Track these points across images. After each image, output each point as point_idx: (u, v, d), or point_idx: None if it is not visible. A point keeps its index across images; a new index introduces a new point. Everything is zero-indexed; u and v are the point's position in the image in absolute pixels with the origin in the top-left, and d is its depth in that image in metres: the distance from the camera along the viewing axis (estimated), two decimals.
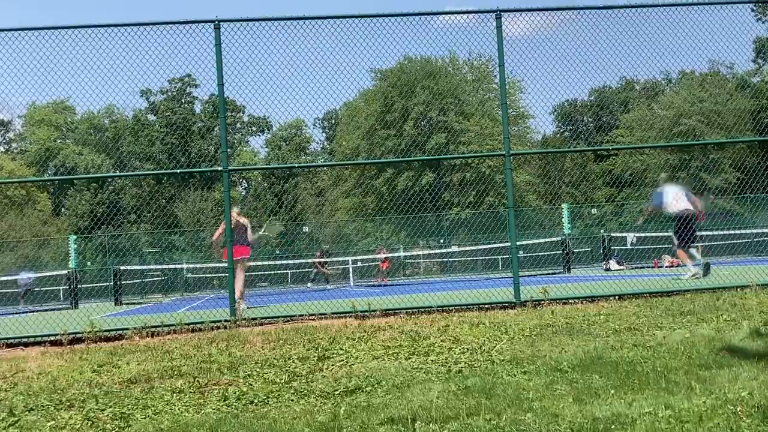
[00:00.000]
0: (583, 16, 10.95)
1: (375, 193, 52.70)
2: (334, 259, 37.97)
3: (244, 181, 69.78)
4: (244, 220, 14.60)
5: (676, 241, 15.08)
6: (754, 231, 36.39)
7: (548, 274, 26.82)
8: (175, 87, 68.37)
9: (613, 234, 32.91)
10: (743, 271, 14.60)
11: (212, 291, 38.97)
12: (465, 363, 5.67)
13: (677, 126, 53.70)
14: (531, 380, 4.83)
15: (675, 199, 15.01)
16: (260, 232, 15.13)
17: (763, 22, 54.76)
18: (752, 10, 46.51)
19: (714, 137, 49.17)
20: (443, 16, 11.55)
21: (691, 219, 15.07)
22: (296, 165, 22.11)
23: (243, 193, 67.54)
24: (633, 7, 11.04)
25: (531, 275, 24.83)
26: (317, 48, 10.40)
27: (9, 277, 36.86)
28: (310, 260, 31.81)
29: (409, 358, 6.08)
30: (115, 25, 10.08)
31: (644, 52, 11.29)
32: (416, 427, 3.81)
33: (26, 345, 9.20)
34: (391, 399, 4.56)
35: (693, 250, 15.23)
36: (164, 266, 40.68)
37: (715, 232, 36.66)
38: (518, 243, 10.70)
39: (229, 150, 10.37)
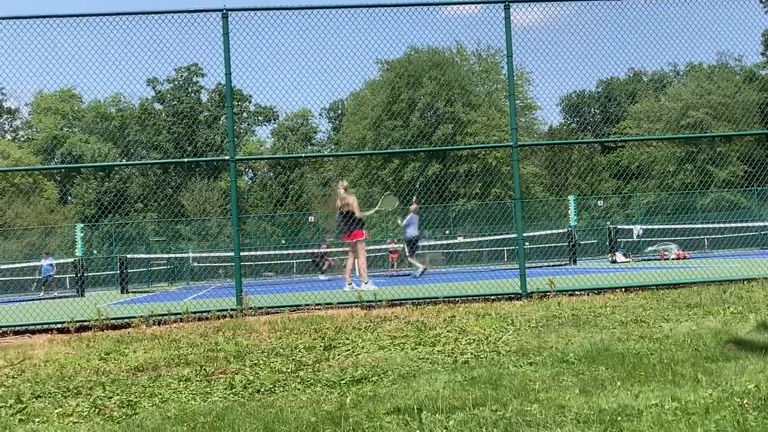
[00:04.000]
0: (591, 6, 10.92)
1: (381, 184, 52.67)
2: (338, 249, 37.97)
3: (250, 170, 69.84)
4: (352, 199, 14.16)
5: (407, 253, 21.94)
6: (761, 224, 36.32)
7: (554, 265, 26.79)
8: (182, 76, 68.38)
9: (619, 226, 32.87)
10: (750, 264, 14.57)
11: (218, 280, 39.03)
12: (471, 354, 5.67)
13: (685, 118, 53.58)
14: (537, 371, 4.83)
15: (413, 225, 21.80)
16: (376, 207, 15.15)
17: None
18: (761, 2, 46.32)
19: (721, 130, 49.06)
20: (451, 6, 11.52)
21: (418, 239, 21.98)
22: (303, 155, 22.21)
23: (249, 183, 67.58)
24: None
25: (537, 267, 24.81)
26: (324, 38, 10.39)
27: (24, 265, 37.03)
28: (314, 251, 31.73)
29: (415, 349, 6.08)
30: (123, 14, 10.08)
31: (652, 43, 11.27)
32: (422, 416, 3.82)
33: (33, 332, 9.23)
34: (397, 389, 4.56)
35: (418, 259, 22.04)
36: (170, 255, 40.76)
37: (722, 225, 36.63)
38: (524, 234, 10.70)
39: (235, 139, 10.39)
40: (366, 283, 13.90)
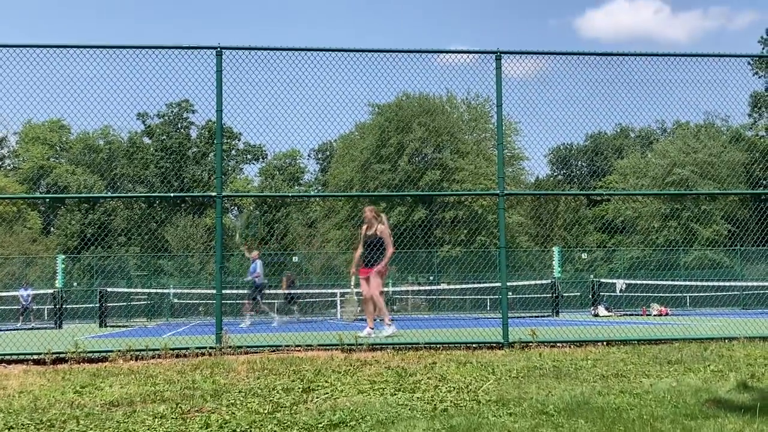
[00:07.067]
0: (582, 62, 11.04)
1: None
2: (323, 291, 37.87)
3: (236, 208, 69.76)
4: (383, 229, 12.94)
5: (253, 297, 22.33)
6: (743, 284, 36.48)
7: (536, 316, 26.77)
8: (173, 111, 68.56)
9: (602, 280, 32.93)
10: (731, 323, 14.60)
11: (198, 317, 38.74)
12: (451, 402, 5.63)
13: (670, 175, 54.04)
14: (516, 422, 4.79)
15: (262, 271, 22.13)
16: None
17: (759, 77, 55.32)
18: (749, 64, 47.01)
19: (706, 188, 49.44)
20: (443, 55, 11.61)
21: (264, 287, 22.71)
22: (290, 194, 22.22)
23: (234, 221, 67.46)
24: (631, 55, 11.15)
25: (519, 317, 24.79)
26: (317, 79, 10.45)
27: (2, 294, 36.70)
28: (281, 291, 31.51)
29: (395, 394, 6.04)
30: (118, 47, 10.11)
31: (640, 100, 11.39)
32: None
33: (9, 362, 9.12)
34: None
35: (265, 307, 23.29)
36: (151, 290, 40.49)
37: (705, 283, 36.76)
38: (508, 284, 10.69)
39: (223, 176, 10.39)
40: (389, 325, 12.49)
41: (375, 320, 12.90)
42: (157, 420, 5.13)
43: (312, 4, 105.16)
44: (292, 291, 30.53)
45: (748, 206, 48.84)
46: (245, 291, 24.27)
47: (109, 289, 30.02)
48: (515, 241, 51.22)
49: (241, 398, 5.95)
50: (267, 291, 24.52)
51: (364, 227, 13.24)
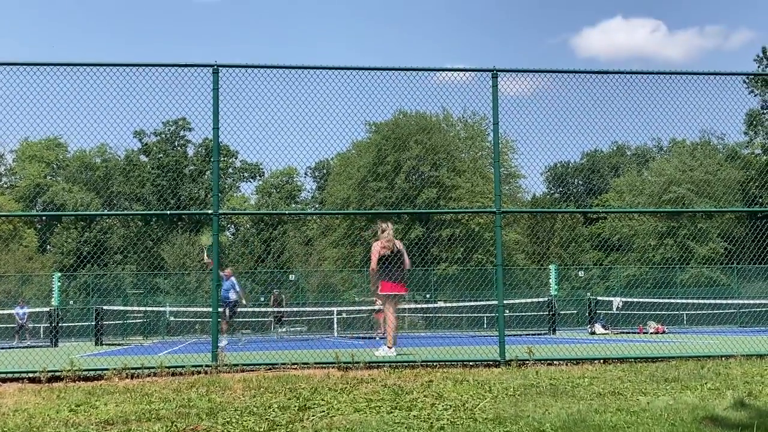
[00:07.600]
0: (578, 80, 11.07)
1: (363, 245, 52.70)
2: (320, 309, 37.81)
3: (232, 226, 69.70)
4: (400, 245, 12.38)
5: (227, 316, 22.01)
6: (740, 302, 36.47)
7: (533, 334, 26.72)
8: (169, 129, 68.63)
9: (599, 297, 32.91)
10: (728, 341, 14.60)
11: (194, 336, 38.62)
12: (447, 420, 5.61)
13: (667, 193, 54.11)
14: None
15: (233, 289, 22.49)
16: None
17: (755, 95, 55.52)
18: (745, 83, 47.20)
19: (703, 206, 49.51)
20: (440, 72, 11.64)
21: (237, 304, 22.78)
22: (287, 212, 22.22)
23: (231, 238, 67.39)
24: (627, 73, 11.17)
25: (516, 335, 24.73)
26: (314, 97, 10.46)
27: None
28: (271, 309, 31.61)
29: (391, 413, 6.01)
30: (115, 65, 10.13)
31: (637, 118, 11.41)
32: None
33: (4, 381, 9.08)
34: None
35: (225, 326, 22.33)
36: (147, 308, 40.39)
37: (701, 301, 36.75)
38: (504, 302, 10.67)
39: (219, 194, 10.39)
40: (390, 347, 11.94)
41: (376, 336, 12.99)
42: None
43: (309, 21, 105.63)
44: (280, 309, 30.57)
45: (745, 224, 48.86)
46: (241, 309, 24.02)
47: (105, 307, 29.96)
48: (512, 259, 51.22)
49: (237, 416, 5.92)
50: (241, 309, 24.27)
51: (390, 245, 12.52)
